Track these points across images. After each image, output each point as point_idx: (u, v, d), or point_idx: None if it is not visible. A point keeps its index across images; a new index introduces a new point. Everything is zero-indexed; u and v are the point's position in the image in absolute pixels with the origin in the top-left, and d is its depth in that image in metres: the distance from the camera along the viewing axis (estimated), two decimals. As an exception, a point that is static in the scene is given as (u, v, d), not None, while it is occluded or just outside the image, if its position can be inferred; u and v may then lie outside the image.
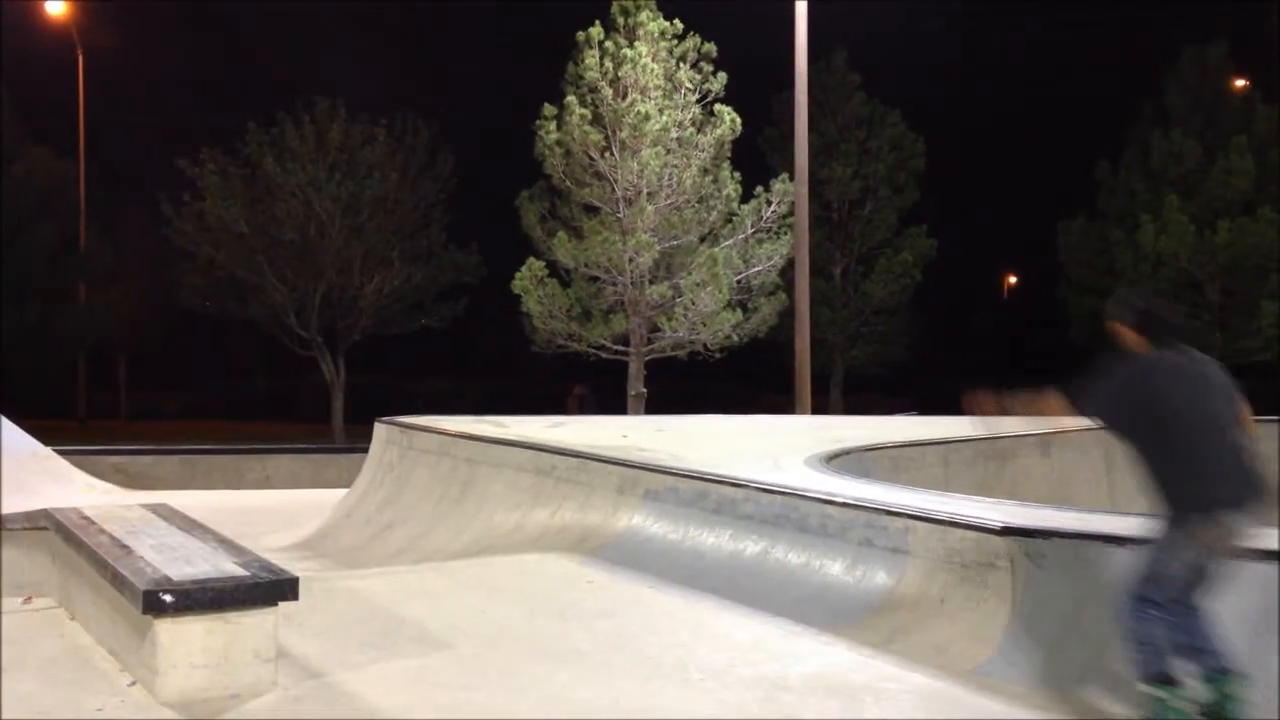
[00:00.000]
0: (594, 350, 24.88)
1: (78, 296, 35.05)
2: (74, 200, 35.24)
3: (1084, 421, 5.03)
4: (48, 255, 32.13)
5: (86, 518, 6.72)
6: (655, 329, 24.78)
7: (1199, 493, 4.64)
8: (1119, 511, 7.26)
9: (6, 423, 14.85)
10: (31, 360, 31.52)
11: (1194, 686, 4.53)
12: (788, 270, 24.40)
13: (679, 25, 24.53)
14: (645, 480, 8.73)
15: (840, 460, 10.21)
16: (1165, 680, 4.56)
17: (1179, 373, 4.78)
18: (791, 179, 23.90)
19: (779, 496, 7.53)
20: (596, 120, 23.91)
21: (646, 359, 25.03)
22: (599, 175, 24.12)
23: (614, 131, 23.79)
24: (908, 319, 37.20)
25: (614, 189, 24.04)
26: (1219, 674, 4.49)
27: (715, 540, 7.78)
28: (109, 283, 35.49)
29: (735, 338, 24.79)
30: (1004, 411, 5.33)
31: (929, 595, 6.25)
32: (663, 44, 24.26)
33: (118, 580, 5.27)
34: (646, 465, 8.97)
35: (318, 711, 4.92)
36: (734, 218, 24.86)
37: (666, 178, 23.89)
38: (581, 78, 24.13)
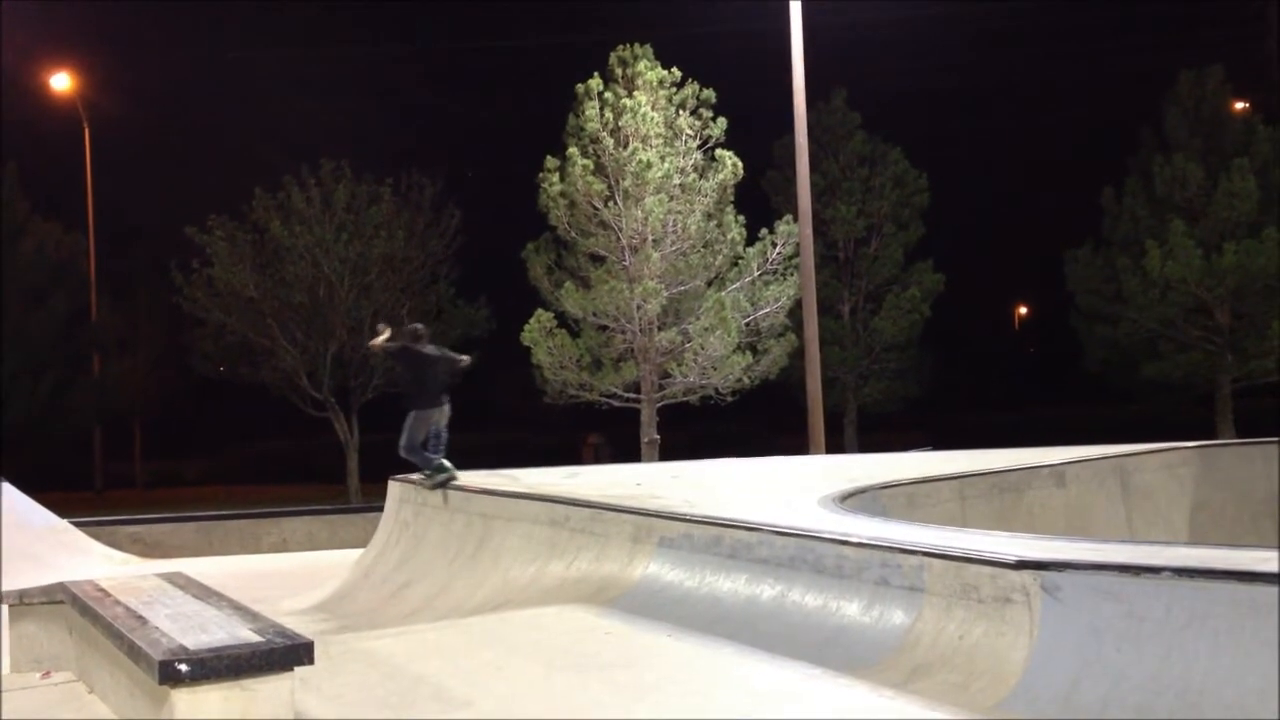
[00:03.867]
0: (605, 399, 24.91)
1: (91, 368, 35.24)
2: (84, 272, 35.53)
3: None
4: (60, 328, 32.35)
5: (102, 590, 6.72)
6: (666, 375, 24.82)
7: (429, 398, 11.77)
8: (1135, 540, 7.21)
9: (25, 499, 14.92)
10: (48, 433, 31.66)
11: (438, 465, 11.70)
12: (796, 311, 24.45)
13: (677, 73, 24.76)
14: (659, 528, 8.70)
15: (854, 499, 10.15)
16: (433, 465, 11.69)
17: (425, 351, 11.97)
18: (795, 220, 24.00)
19: (793, 539, 7.49)
20: (599, 170, 24.09)
21: (658, 405, 25.04)
22: (603, 224, 24.27)
23: (617, 180, 23.96)
24: (919, 355, 37.09)
25: (619, 237, 24.17)
26: (440, 463, 11.69)
27: (731, 585, 7.74)
28: (122, 352, 35.71)
29: (746, 380, 24.80)
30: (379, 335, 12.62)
31: (947, 632, 6.20)
32: (661, 92, 24.47)
33: (134, 651, 5.27)
34: (660, 512, 8.93)
35: (337, 775, 4.90)
36: (740, 261, 24.96)
37: (671, 224, 24.02)
38: (583, 129, 24.33)
